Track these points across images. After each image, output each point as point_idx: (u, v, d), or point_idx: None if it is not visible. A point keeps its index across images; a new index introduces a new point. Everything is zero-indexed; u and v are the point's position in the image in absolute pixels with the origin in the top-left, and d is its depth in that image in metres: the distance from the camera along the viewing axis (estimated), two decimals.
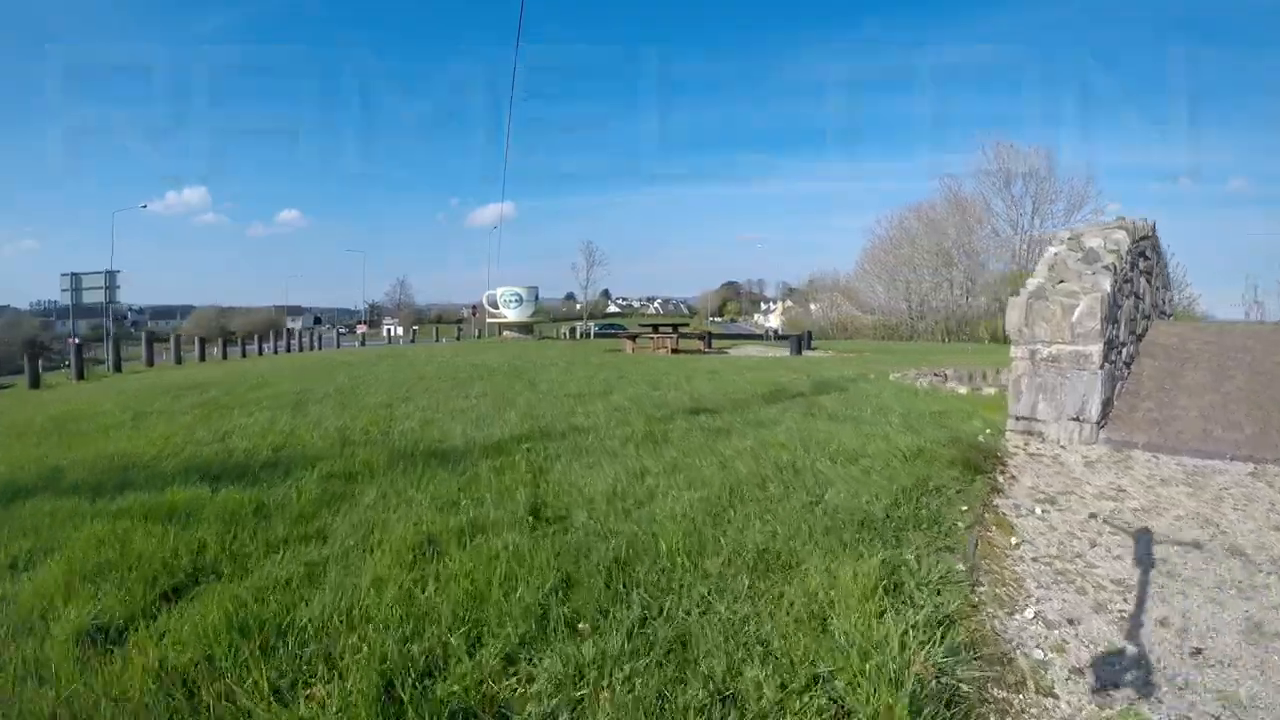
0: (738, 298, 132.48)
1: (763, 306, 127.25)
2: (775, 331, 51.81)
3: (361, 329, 57.18)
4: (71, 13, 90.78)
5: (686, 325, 18.06)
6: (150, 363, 16.90)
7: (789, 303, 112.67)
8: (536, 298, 28.26)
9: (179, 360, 17.75)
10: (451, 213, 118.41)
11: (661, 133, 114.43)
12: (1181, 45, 64.95)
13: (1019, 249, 33.68)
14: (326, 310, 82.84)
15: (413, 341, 34.37)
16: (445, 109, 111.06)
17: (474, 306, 38.17)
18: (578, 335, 34.84)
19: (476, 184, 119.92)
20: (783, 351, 18.08)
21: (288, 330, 33.15)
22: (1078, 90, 70.81)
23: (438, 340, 33.72)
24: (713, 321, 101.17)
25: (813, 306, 77.29)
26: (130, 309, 79.15)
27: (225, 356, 20.32)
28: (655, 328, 17.99)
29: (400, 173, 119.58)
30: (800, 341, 19.53)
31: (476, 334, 35.97)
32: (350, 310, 73.63)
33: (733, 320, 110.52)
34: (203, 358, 18.55)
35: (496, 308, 27.48)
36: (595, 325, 40.63)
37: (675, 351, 16.09)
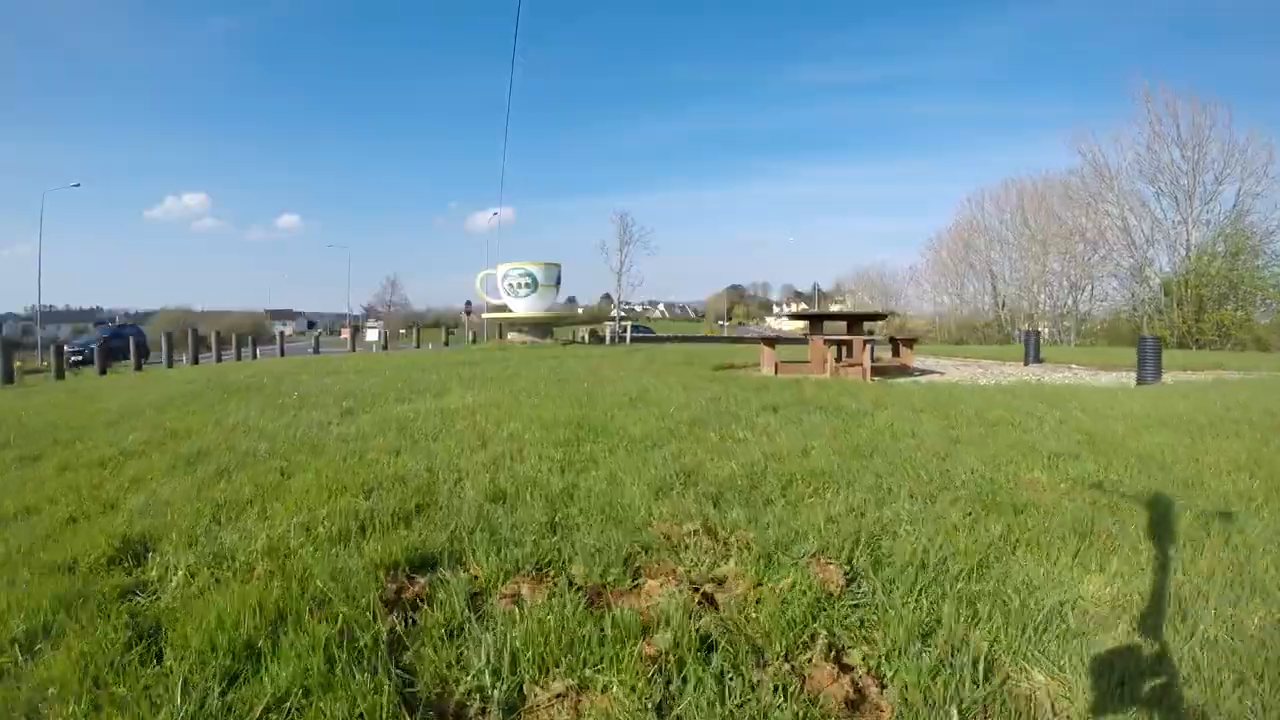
0: (743, 301, 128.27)
1: (775, 310, 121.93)
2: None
3: (345, 333, 54.31)
4: (72, 14, 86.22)
5: (880, 318, 9.50)
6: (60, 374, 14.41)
7: (802, 306, 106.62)
8: (558, 280, 19.13)
9: (103, 370, 15.46)
10: (451, 215, 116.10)
11: (660, 136, 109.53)
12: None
13: (1191, 233, 25.47)
14: (322, 314, 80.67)
15: (384, 348, 25.98)
16: (446, 112, 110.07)
17: (468, 303, 29.60)
18: (608, 339, 26.42)
19: (475, 188, 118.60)
20: (1022, 370, 10.00)
21: (250, 338, 25.96)
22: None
23: (418, 346, 25.33)
24: (721, 325, 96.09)
25: (834, 308, 70.35)
26: (125, 313, 75.99)
27: (170, 365, 16.72)
28: (813, 320, 9.59)
29: (398, 176, 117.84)
30: (1037, 346, 11.39)
31: (471, 337, 27.36)
32: (351, 314, 69.49)
33: (741, 324, 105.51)
34: (138, 367, 15.90)
35: (498, 298, 18.88)
36: (627, 328, 31.87)
37: (876, 373, 7.89)
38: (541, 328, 18.58)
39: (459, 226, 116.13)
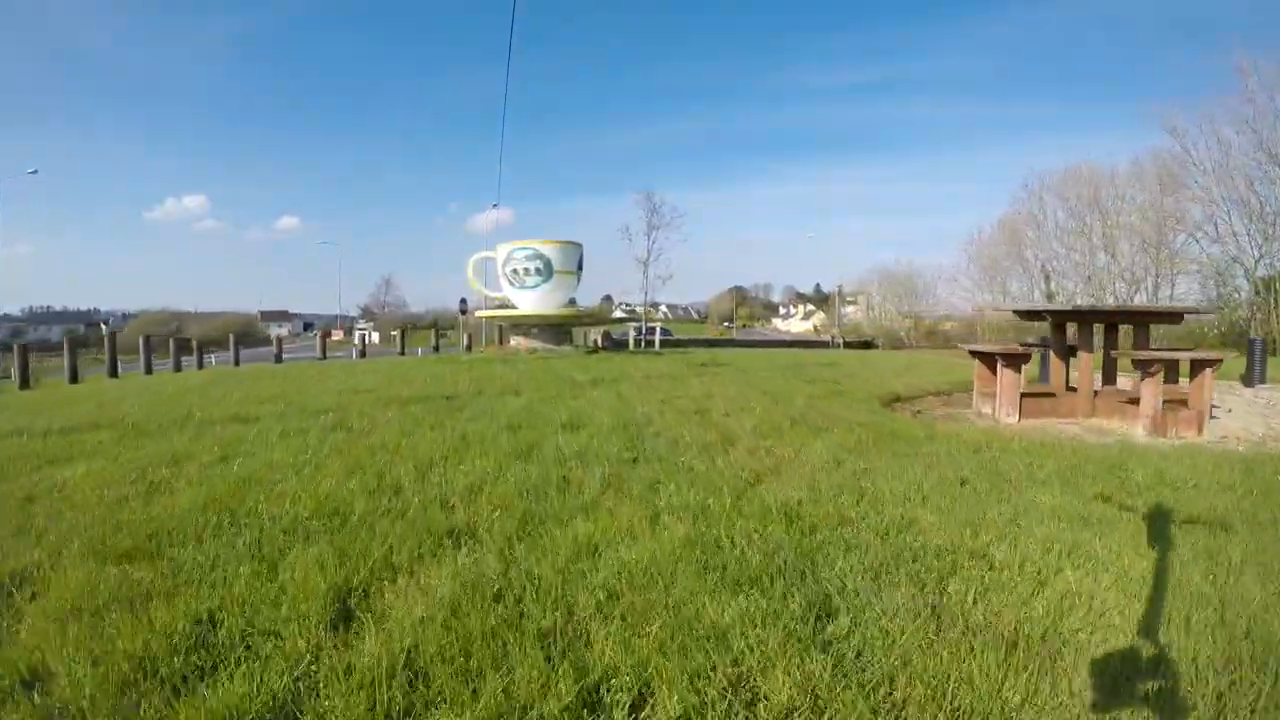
0: (746, 302, 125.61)
1: (781, 311, 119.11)
2: (840, 340, 39.81)
3: (338, 334, 55.19)
4: (72, 12, 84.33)
5: (1176, 318, 5.35)
6: None
7: (809, 307, 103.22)
8: (580, 264, 14.36)
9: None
10: (450, 216, 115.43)
11: (660, 136, 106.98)
12: None
13: None
14: (320, 315, 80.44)
15: (363, 355, 21.92)
16: (446, 113, 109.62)
17: (463, 301, 25.45)
18: (630, 344, 22.37)
19: (476, 188, 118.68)
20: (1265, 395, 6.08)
21: (195, 344, 22.04)
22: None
23: (402, 352, 21.26)
24: (728, 327, 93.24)
25: (848, 309, 66.74)
26: (124, 315, 75.96)
27: (74, 379, 14.15)
28: (1078, 322, 5.40)
29: (398, 176, 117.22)
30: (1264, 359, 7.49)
31: (466, 342, 23.20)
32: (343, 315, 70.12)
33: (745, 326, 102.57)
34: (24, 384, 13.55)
35: (498, 290, 14.39)
36: (655, 330, 27.49)
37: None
38: (556, 329, 14.34)
39: (459, 227, 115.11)
